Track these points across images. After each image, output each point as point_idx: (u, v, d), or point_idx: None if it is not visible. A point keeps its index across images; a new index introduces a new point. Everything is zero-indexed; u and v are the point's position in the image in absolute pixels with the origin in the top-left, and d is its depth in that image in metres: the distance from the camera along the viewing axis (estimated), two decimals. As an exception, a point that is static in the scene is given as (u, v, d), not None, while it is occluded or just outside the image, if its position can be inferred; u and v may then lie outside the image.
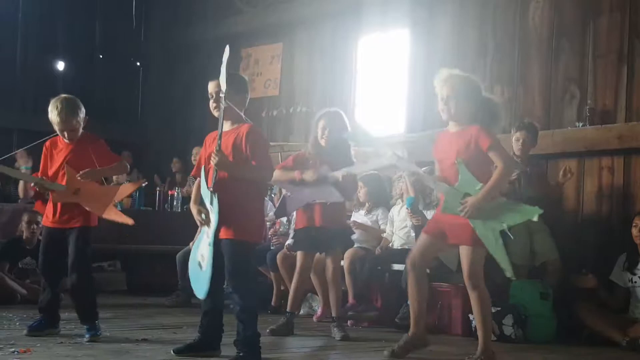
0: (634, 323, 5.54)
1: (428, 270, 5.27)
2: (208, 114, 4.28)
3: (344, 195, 5.35)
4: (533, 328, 5.71)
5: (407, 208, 6.15)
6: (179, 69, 10.42)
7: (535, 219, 4.37)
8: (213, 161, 4.01)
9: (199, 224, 4.19)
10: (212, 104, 4.26)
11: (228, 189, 4.05)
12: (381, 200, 6.83)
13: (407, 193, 6.26)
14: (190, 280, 4.26)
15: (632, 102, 6.34)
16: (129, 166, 5.19)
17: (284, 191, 6.62)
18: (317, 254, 5.75)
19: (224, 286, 4.29)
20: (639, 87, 6.32)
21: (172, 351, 4.27)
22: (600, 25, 6.57)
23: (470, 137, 4.35)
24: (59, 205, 4.87)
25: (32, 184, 5.00)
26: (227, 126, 4.17)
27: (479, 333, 4.49)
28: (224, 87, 4.06)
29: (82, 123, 4.96)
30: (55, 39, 10.26)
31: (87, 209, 4.82)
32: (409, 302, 5.70)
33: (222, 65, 4.11)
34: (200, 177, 4.24)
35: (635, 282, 5.71)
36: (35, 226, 6.99)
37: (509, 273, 4.32)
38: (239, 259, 4.10)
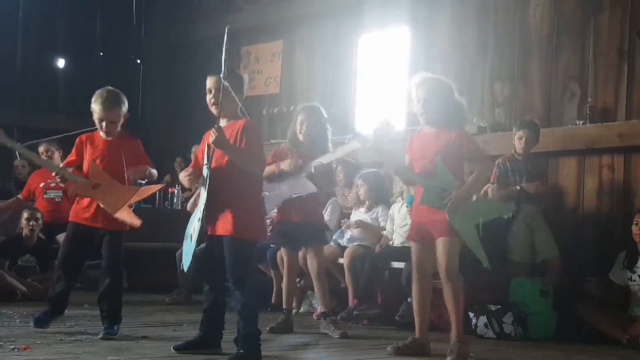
0: (634, 321, 5.54)
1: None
2: (208, 112, 4.27)
3: (319, 188, 5.36)
4: (533, 326, 5.72)
5: (407, 206, 6.15)
6: (180, 66, 10.41)
7: (508, 215, 4.86)
8: (211, 139, 4.00)
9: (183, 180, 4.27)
10: (209, 99, 4.25)
11: (227, 185, 4.05)
12: (381, 197, 6.82)
13: (407, 191, 6.26)
14: (183, 254, 4.29)
15: (632, 99, 6.34)
16: (155, 174, 5.17)
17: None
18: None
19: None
20: (639, 84, 6.32)
21: (172, 348, 4.28)
22: (601, 23, 6.57)
23: (450, 138, 4.56)
24: (94, 202, 4.84)
25: (53, 173, 4.96)
26: (223, 122, 4.17)
27: (454, 325, 4.56)
28: (223, 68, 4.07)
29: (122, 118, 4.95)
30: (55, 37, 10.26)
31: (101, 205, 4.78)
32: (409, 301, 5.73)
33: (223, 44, 4.10)
34: (197, 169, 4.27)
35: (635, 280, 5.71)
36: (34, 223, 7.00)
37: (485, 264, 4.47)
38: (240, 256, 4.09)
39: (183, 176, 4.31)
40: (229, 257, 4.07)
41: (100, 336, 4.69)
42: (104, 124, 4.88)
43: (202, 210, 4.05)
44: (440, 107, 4.58)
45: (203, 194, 4.08)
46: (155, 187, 4.89)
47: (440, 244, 4.53)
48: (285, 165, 5.27)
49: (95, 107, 4.89)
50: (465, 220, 4.47)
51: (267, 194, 5.45)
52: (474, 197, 4.80)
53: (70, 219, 5.02)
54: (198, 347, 4.26)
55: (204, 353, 4.21)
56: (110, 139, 4.95)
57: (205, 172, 4.12)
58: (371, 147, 4.87)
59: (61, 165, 4.98)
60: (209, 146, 4.09)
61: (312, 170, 5.22)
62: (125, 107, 4.97)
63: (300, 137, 5.45)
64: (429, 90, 4.59)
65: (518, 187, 6.12)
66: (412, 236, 4.75)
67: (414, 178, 4.67)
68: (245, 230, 4.09)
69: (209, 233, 4.18)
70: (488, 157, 4.81)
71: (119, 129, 4.98)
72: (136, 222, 4.81)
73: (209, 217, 4.10)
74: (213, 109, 4.23)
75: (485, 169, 4.71)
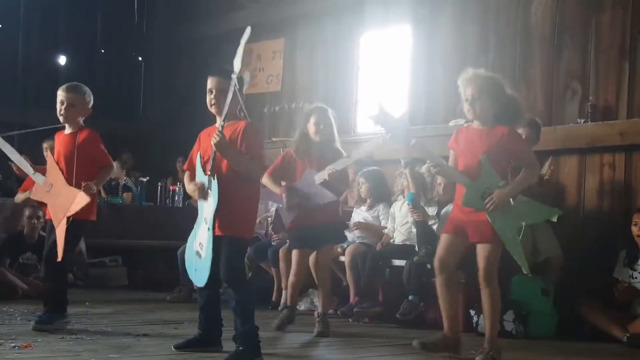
0: (634, 319, 5.54)
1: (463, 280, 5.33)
2: (210, 111, 4.27)
3: (335, 193, 5.34)
4: (534, 324, 5.72)
5: (408, 204, 6.15)
6: (181, 64, 10.41)
7: (554, 219, 4.53)
8: (213, 141, 3.98)
9: (194, 194, 4.19)
10: (210, 99, 4.23)
11: (226, 186, 4.03)
12: (382, 196, 6.83)
13: (408, 189, 6.26)
14: (188, 271, 4.25)
15: (634, 98, 6.34)
16: (111, 171, 5.16)
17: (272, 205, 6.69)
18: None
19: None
20: (640, 83, 6.32)
21: (172, 347, 4.29)
22: (603, 21, 6.56)
23: (500, 138, 4.43)
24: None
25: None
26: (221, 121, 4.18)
27: (488, 328, 4.50)
28: (238, 67, 4.05)
29: (82, 108, 4.98)
30: (57, 34, 10.27)
31: (50, 212, 4.82)
32: (410, 299, 5.72)
33: (239, 46, 4.10)
34: (191, 170, 4.27)
35: (636, 277, 5.72)
36: (36, 221, 7.00)
37: (525, 270, 4.39)
38: (235, 255, 4.11)
39: (191, 190, 4.24)
40: (224, 256, 4.07)
41: (31, 325, 4.77)
42: (63, 109, 4.95)
43: (211, 219, 4.02)
44: (490, 106, 4.44)
45: (209, 202, 4.04)
46: (83, 202, 4.81)
47: (482, 248, 4.42)
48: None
49: (58, 92, 5.01)
50: (507, 223, 4.35)
51: (281, 206, 5.47)
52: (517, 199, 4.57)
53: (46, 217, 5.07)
54: (198, 346, 4.27)
55: (205, 351, 4.22)
56: (69, 132, 4.99)
57: (204, 178, 4.08)
58: (425, 156, 4.69)
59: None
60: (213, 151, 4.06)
61: (327, 177, 5.20)
62: (87, 97, 5.03)
63: (317, 137, 5.37)
64: (477, 88, 4.44)
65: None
66: (447, 229, 4.60)
67: (457, 177, 4.53)
68: (241, 229, 4.12)
69: None
70: (537, 160, 4.66)
71: (80, 122, 5.00)
72: (60, 245, 4.71)
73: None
74: (213, 110, 4.22)
75: (533, 172, 4.54)
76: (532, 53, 6.99)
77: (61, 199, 4.80)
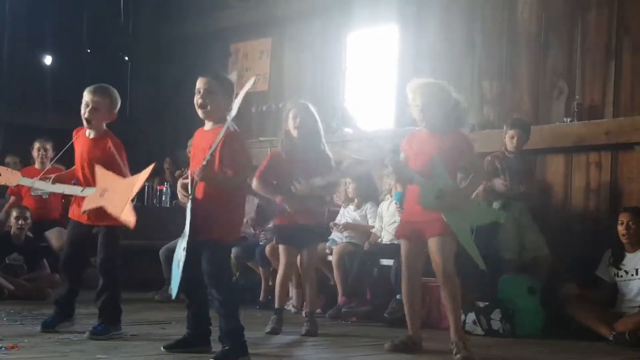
0: (620, 317, 5.57)
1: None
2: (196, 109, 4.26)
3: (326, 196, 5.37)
4: (521, 322, 5.74)
5: (395, 203, 6.16)
6: (168, 64, 10.38)
7: (501, 221, 4.98)
8: (197, 175, 3.99)
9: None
10: (197, 99, 4.20)
11: (209, 190, 4.05)
12: (370, 195, 6.84)
13: (396, 188, 6.26)
14: (172, 280, 4.20)
15: (619, 97, 6.36)
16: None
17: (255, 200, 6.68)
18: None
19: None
20: (626, 82, 6.35)
21: (162, 347, 4.27)
22: (589, 20, 6.59)
23: (452, 144, 4.62)
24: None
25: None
26: (209, 125, 4.21)
27: (453, 323, 4.59)
28: (234, 112, 4.07)
29: (107, 112, 4.84)
30: (42, 33, 10.20)
31: (108, 210, 4.57)
32: (398, 298, 5.74)
33: (240, 93, 4.10)
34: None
35: (622, 276, 5.75)
36: (23, 222, 6.97)
37: (481, 265, 4.53)
38: (218, 258, 4.10)
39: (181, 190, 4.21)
40: (205, 260, 4.07)
41: (86, 335, 4.67)
42: (87, 112, 4.77)
43: (186, 239, 4.01)
44: (439, 111, 4.61)
45: (187, 226, 4.02)
46: (148, 170, 4.69)
47: (434, 243, 4.54)
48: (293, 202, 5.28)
49: (84, 94, 4.83)
50: (462, 223, 4.51)
51: (263, 203, 5.46)
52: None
53: (70, 215, 4.97)
54: (187, 346, 4.26)
55: (194, 351, 4.20)
56: (93, 137, 4.84)
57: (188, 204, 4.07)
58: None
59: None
60: (193, 180, 4.04)
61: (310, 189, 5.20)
62: (114, 102, 4.89)
63: (295, 132, 5.37)
64: (426, 95, 4.62)
65: (506, 184, 6.10)
66: (402, 234, 4.76)
67: (411, 176, 4.64)
68: (224, 233, 4.12)
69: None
70: (482, 163, 4.97)
71: (104, 127, 4.89)
72: (132, 221, 4.52)
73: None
74: (199, 111, 4.20)
75: (480, 176, 4.82)
76: (518, 52, 7.02)
77: (119, 192, 4.58)
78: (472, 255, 4.49)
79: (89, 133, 4.87)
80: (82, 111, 4.81)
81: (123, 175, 4.72)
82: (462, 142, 4.69)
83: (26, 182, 4.94)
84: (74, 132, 4.97)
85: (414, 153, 4.70)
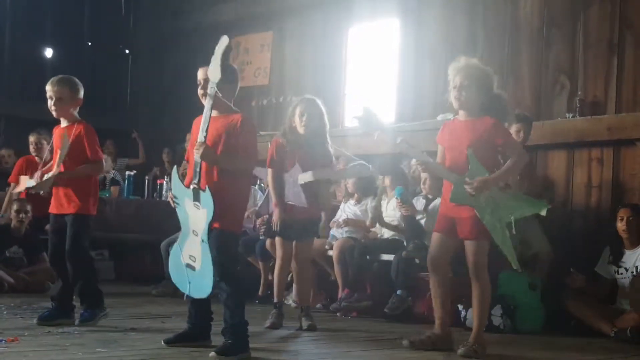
0: (621, 314, 5.56)
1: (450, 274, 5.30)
2: (197, 102, 4.24)
3: (313, 195, 5.32)
4: (521, 318, 5.73)
5: (396, 198, 6.15)
6: (168, 56, 10.37)
7: (543, 213, 4.50)
8: (197, 153, 3.96)
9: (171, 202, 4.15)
10: (200, 91, 4.19)
11: (216, 181, 4.01)
12: (370, 190, 6.82)
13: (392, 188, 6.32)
14: (180, 285, 4.17)
15: (622, 93, 6.35)
16: (101, 165, 5.17)
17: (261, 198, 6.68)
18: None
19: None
20: (629, 78, 6.33)
21: (162, 341, 4.25)
22: (591, 16, 6.57)
23: (485, 129, 4.39)
24: (59, 189, 4.88)
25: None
26: (214, 113, 4.11)
27: (475, 322, 4.52)
28: (214, 77, 4.01)
29: (71, 100, 4.95)
30: (43, 27, 10.20)
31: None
32: (398, 293, 5.72)
33: (215, 55, 4.06)
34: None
35: (622, 273, 5.74)
36: (23, 215, 6.96)
37: (515, 265, 4.38)
38: (227, 248, 4.07)
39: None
40: (215, 249, 4.02)
41: (76, 322, 4.72)
42: (53, 103, 4.94)
43: (203, 230, 3.96)
44: (477, 96, 4.42)
45: (199, 214, 3.97)
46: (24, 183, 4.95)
47: (469, 244, 4.43)
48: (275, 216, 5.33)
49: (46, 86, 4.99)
50: (496, 218, 4.33)
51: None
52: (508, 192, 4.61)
53: (49, 210, 5.04)
54: (188, 340, 4.25)
55: (195, 345, 4.19)
56: (65, 126, 4.96)
57: (186, 192, 4.03)
58: (412, 154, 4.71)
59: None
60: (196, 163, 4.01)
61: (311, 179, 5.18)
62: (77, 91, 5.00)
63: (302, 129, 5.32)
64: (468, 76, 4.41)
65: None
66: (438, 227, 4.58)
67: (443, 174, 4.51)
68: (230, 223, 4.08)
69: None
70: (524, 150, 4.63)
71: (74, 115, 4.98)
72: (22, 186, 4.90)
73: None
74: (204, 100, 4.17)
75: (520, 161, 4.46)
76: (520, 47, 7.00)
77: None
78: (506, 254, 4.35)
79: (63, 122, 5.02)
80: (49, 104, 4.98)
81: (91, 159, 4.90)
82: (497, 129, 4.41)
83: (30, 183, 5.03)
84: (54, 130, 5.10)
85: (448, 144, 4.53)
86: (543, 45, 6.84)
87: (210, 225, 3.96)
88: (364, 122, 4.47)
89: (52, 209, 4.97)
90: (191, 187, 4.01)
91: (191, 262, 4.05)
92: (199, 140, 3.99)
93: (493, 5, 7.22)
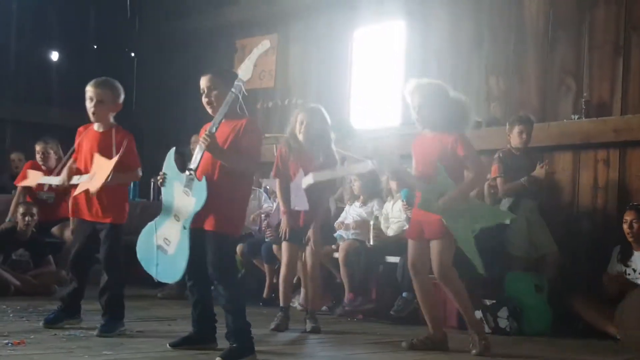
0: (629, 316, 5.54)
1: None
2: (202, 105, 4.24)
3: (318, 197, 5.31)
4: (528, 320, 5.72)
5: (402, 200, 6.15)
6: (173, 59, 10.37)
7: (507, 222, 4.78)
8: (204, 143, 3.94)
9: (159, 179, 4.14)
10: (204, 100, 4.17)
11: (216, 183, 3.99)
12: (375, 192, 6.81)
13: (396, 190, 6.31)
14: (145, 265, 4.18)
15: (628, 94, 6.33)
16: (137, 176, 5.04)
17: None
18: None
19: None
20: (635, 79, 6.32)
21: (167, 345, 4.25)
22: (597, 17, 6.56)
23: (448, 145, 4.58)
24: (94, 197, 4.75)
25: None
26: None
27: (466, 320, 4.66)
28: (245, 76, 4.02)
29: (112, 104, 4.84)
30: (48, 29, 10.20)
31: (90, 190, 4.63)
32: (404, 295, 5.72)
33: (251, 56, 4.05)
34: None
35: (629, 274, 5.73)
36: (29, 218, 6.97)
37: (480, 269, 4.50)
38: (223, 251, 4.07)
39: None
40: (211, 253, 4.03)
41: (95, 333, 4.66)
42: (92, 106, 4.78)
43: (188, 218, 3.97)
44: (436, 111, 4.61)
45: (187, 200, 3.97)
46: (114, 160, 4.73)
47: (433, 245, 4.59)
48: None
49: (86, 88, 4.84)
50: (461, 225, 4.49)
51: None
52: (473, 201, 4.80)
53: (71, 214, 4.98)
54: (193, 343, 4.24)
55: (199, 349, 4.19)
56: (101, 130, 4.85)
57: (182, 177, 4.03)
58: (381, 169, 4.83)
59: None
60: (199, 149, 4.01)
61: (312, 181, 5.17)
62: (114, 91, 4.89)
63: (301, 136, 5.38)
64: (422, 96, 4.63)
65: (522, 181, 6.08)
66: (409, 234, 4.81)
67: (412, 182, 4.71)
68: (228, 226, 4.06)
69: (191, 227, 4.05)
70: (483, 164, 4.85)
71: (111, 120, 4.89)
72: (96, 186, 4.59)
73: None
74: (209, 110, 4.16)
75: (478, 176, 4.70)
76: (526, 48, 6.99)
77: (102, 170, 4.64)
78: (471, 259, 4.48)
79: (98, 127, 4.88)
80: (88, 105, 4.82)
81: (131, 167, 4.80)
82: (458, 143, 4.57)
83: (45, 180, 5.04)
84: (80, 129, 4.97)
85: (419, 157, 4.74)
86: (549, 46, 6.83)
87: (195, 216, 3.94)
88: (337, 130, 4.94)
89: (82, 215, 4.85)
90: (187, 172, 4.00)
91: (164, 245, 4.06)
92: (209, 130, 3.98)
93: (498, 7, 7.21)
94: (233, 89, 4.02)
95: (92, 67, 10.26)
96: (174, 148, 4.24)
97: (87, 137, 4.90)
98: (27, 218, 6.97)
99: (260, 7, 9.22)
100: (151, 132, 10.42)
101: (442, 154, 4.57)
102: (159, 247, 4.08)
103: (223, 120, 4.06)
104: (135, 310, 6.02)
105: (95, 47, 10.56)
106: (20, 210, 7.01)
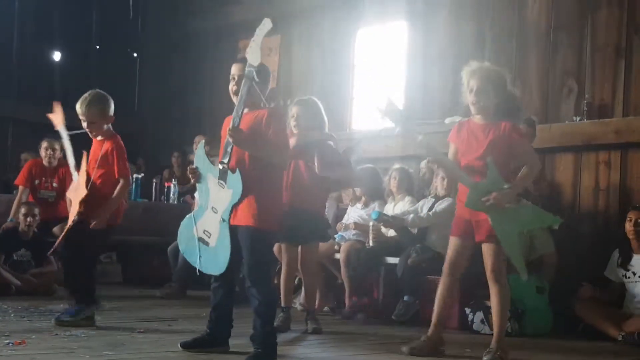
0: (629, 317, 5.55)
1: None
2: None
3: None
4: (529, 322, 5.71)
5: (373, 220, 6.15)
6: (176, 59, 10.38)
7: (556, 227, 4.54)
8: (231, 137, 3.88)
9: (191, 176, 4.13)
10: (232, 86, 4.11)
11: (247, 175, 3.91)
12: (377, 193, 6.81)
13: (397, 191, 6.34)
14: (189, 257, 4.13)
15: (629, 96, 6.33)
16: (129, 183, 5.27)
17: None
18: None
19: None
20: (636, 81, 6.32)
21: (179, 345, 4.19)
22: (599, 19, 6.56)
23: (502, 133, 4.38)
24: (91, 200, 4.92)
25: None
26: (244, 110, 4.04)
27: (496, 327, 4.49)
28: (254, 60, 3.95)
29: (103, 119, 5.01)
30: (51, 29, 10.23)
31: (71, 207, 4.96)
32: (405, 299, 5.71)
33: (255, 38, 3.99)
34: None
35: (629, 277, 5.73)
36: (31, 219, 6.97)
37: (523, 275, 4.35)
38: (259, 249, 3.95)
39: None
40: (246, 250, 3.93)
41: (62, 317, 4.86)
42: (85, 124, 5.03)
43: (225, 211, 3.92)
44: (493, 97, 4.40)
45: (222, 193, 3.94)
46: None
47: (486, 247, 4.39)
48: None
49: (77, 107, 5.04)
50: (508, 227, 4.29)
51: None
52: (522, 202, 4.61)
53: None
54: (205, 345, 4.17)
55: (211, 351, 4.15)
56: (100, 139, 5.05)
57: (215, 170, 3.99)
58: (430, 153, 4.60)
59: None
60: (227, 142, 3.95)
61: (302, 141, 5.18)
62: (102, 107, 5.03)
63: (295, 129, 5.33)
64: (482, 79, 4.40)
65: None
66: (454, 231, 4.56)
67: (460, 177, 4.46)
68: (264, 220, 3.93)
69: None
70: (537, 158, 4.58)
71: (108, 130, 5.06)
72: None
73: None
74: (234, 98, 4.08)
75: (533, 169, 4.46)
76: (528, 50, 6.99)
77: (77, 198, 4.94)
78: (515, 263, 4.32)
79: (96, 135, 5.10)
80: (83, 124, 5.05)
81: (116, 175, 4.99)
82: (512, 131, 4.38)
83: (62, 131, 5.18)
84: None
85: (463, 145, 4.50)
86: (551, 48, 6.83)
87: (233, 208, 3.89)
88: (388, 113, 4.44)
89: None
90: (219, 165, 3.96)
91: (205, 237, 4.02)
92: (232, 124, 3.92)
93: (501, 9, 7.21)
94: (246, 76, 3.95)
95: (94, 67, 10.32)
96: (204, 140, 4.22)
97: (93, 146, 5.12)
98: (29, 219, 6.97)
99: (263, 8, 9.21)
100: (154, 132, 10.44)
101: (494, 143, 4.35)
102: (200, 239, 4.04)
103: (245, 111, 4.00)
104: (137, 310, 6.03)
105: (97, 47, 10.58)
106: (22, 210, 7.02)
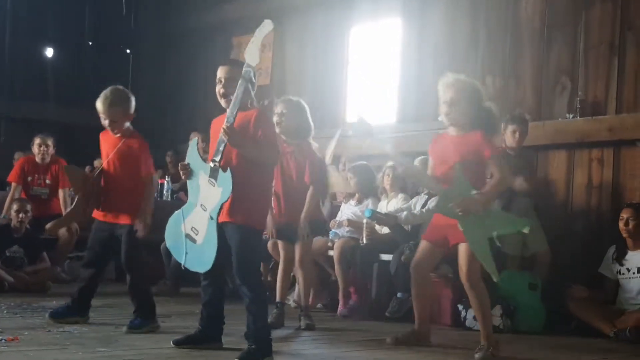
0: (621, 314, 5.57)
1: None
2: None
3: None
4: (521, 319, 5.73)
5: (367, 218, 6.15)
6: (170, 56, 10.36)
7: (525, 231, 4.52)
8: (225, 136, 3.88)
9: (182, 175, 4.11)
10: (219, 89, 4.11)
11: (237, 173, 3.91)
12: (371, 190, 6.81)
13: (391, 188, 6.35)
14: (175, 253, 4.14)
15: (622, 93, 6.35)
16: (154, 184, 5.19)
17: None
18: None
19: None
20: (630, 78, 6.33)
21: (171, 342, 4.19)
22: (592, 17, 6.57)
23: (473, 144, 4.42)
24: (108, 197, 4.85)
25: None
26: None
27: (481, 326, 4.54)
28: (253, 60, 3.97)
29: (124, 117, 4.91)
30: (44, 26, 10.20)
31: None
32: (399, 296, 5.73)
33: (255, 39, 4.02)
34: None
35: (624, 274, 5.74)
36: (23, 215, 6.96)
37: (495, 277, 4.38)
38: (247, 247, 3.96)
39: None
40: (235, 247, 3.95)
41: (124, 330, 4.71)
42: (107, 123, 4.89)
43: (214, 210, 3.92)
44: (468, 110, 4.45)
45: (212, 191, 3.94)
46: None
47: (463, 248, 4.43)
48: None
49: (97, 105, 4.91)
50: (477, 231, 4.33)
51: None
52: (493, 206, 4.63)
53: (94, 215, 5.01)
54: (198, 342, 4.18)
55: (204, 348, 4.15)
56: (118, 135, 4.91)
57: (207, 168, 3.98)
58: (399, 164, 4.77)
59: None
60: (220, 141, 3.95)
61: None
62: (124, 105, 4.93)
63: (277, 128, 5.34)
64: (457, 91, 4.46)
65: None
66: (426, 235, 4.66)
67: (428, 184, 4.58)
68: (251, 218, 3.97)
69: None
70: (507, 169, 4.59)
71: (128, 127, 4.95)
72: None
73: None
74: (222, 101, 4.09)
75: (502, 180, 4.46)
76: (521, 48, 7.00)
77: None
78: (486, 266, 4.34)
79: (115, 132, 4.95)
80: (103, 123, 4.91)
81: (142, 174, 4.88)
82: (485, 142, 4.41)
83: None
84: (102, 134, 5.04)
85: (438, 159, 4.57)
86: (544, 45, 6.84)
87: (222, 207, 3.90)
88: (356, 128, 4.61)
89: (99, 216, 4.94)
90: (211, 164, 3.96)
91: (192, 234, 4.02)
92: (226, 122, 3.92)
93: (495, 6, 7.22)
94: (243, 76, 3.95)
95: (87, 64, 10.29)
96: (197, 138, 4.20)
97: (105, 141, 5.00)
98: (21, 215, 6.96)
99: (257, 4, 9.21)
100: (147, 129, 10.36)
101: (466, 154, 4.39)
102: (187, 235, 4.04)
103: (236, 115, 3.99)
104: (130, 306, 6.00)
105: (90, 43, 10.56)
106: (14, 207, 7.01)
